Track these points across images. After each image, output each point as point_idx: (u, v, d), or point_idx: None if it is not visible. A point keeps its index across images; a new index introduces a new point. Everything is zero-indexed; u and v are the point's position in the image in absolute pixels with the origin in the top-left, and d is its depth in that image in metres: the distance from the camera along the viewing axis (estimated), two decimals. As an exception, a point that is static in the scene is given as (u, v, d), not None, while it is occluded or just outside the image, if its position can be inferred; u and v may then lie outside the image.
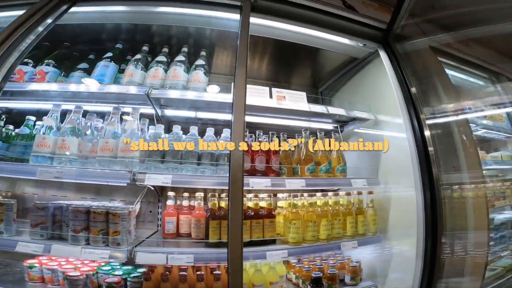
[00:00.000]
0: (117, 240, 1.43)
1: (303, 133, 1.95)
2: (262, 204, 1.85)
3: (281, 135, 1.98)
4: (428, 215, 1.59)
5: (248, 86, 1.72)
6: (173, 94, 1.64)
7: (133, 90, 1.57)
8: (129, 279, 1.53)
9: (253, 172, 1.77)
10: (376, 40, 2.00)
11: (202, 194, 1.83)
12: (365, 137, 2.13)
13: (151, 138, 1.68)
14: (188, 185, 1.55)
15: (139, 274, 1.59)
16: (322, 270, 1.80)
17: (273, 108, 1.80)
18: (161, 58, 1.80)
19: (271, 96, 1.81)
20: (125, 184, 1.43)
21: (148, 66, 1.77)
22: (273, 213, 1.80)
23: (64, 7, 1.49)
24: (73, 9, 1.55)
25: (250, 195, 1.85)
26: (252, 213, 1.74)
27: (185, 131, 1.81)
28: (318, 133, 2.00)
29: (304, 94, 1.90)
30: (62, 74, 1.74)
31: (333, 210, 1.88)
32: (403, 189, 1.77)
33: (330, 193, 1.98)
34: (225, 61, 2.39)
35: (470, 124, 2.00)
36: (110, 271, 1.61)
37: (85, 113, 1.66)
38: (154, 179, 1.46)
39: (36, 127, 1.67)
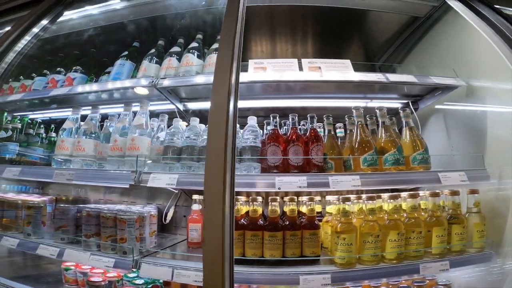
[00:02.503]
0: (123, 248, 1.28)
1: (354, 112, 1.42)
2: (303, 209, 1.43)
3: (325, 119, 1.51)
4: None
5: (270, 60, 1.41)
6: (181, 81, 1.43)
7: (137, 82, 1.42)
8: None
9: (286, 168, 1.38)
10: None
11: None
12: (454, 114, 1.44)
13: (168, 135, 1.49)
14: (197, 186, 1.27)
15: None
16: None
17: (305, 83, 1.37)
18: (175, 49, 1.67)
19: (301, 68, 1.39)
20: (128, 186, 1.26)
21: (163, 59, 1.65)
22: (316, 222, 1.35)
23: (59, 8, 1.47)
24: (81, 13, 1.53)
25: (286, 199, 1.44)
26: (287, 223, 1.34)
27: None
28: (377, 111, 1.42)
29: (347, 61, 1.40)
30: (91, 79, 1.77)
31: (408, 218, 1.29)
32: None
33: (404, 194, 1.37)
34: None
35: None
36: (133, 279, 1.49)
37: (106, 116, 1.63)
38: (158, 179, 1.26)
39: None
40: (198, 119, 1.58)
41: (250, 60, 1.42)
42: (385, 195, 1.38)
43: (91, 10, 1.67)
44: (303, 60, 1.39)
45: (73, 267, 1.62)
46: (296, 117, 1.48)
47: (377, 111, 1.42)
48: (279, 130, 1.47)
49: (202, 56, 1.62)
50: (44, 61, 1.97)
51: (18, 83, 1.79)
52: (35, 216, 1.47)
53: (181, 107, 1.80)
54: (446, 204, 1.37)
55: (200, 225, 1.58)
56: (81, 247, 1.36)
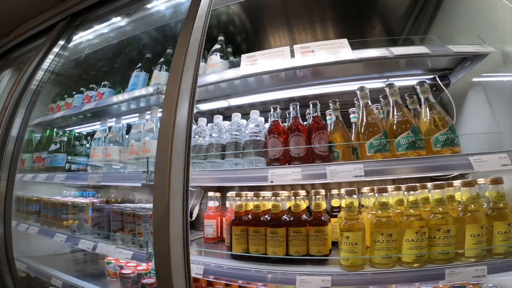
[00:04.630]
0: (140, 241, 1.43)
1: (359, 93, 1.28)
2: (311, 204, 1.35)
3: (331, 104, 1.41)
4: None
5: (262, 51, 1.42)
6: None
7: (146, 90, 1.58)
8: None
9: (287, 160, 1.34)
10: None
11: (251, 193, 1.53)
12: (495, 86, 1.17)
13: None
14: (197, 183, 1.33)
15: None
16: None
17: (295, 69, 1.30)
18: None
19: (293, 55, 1.33)
20: (140, 185, 1.39)
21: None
22: (322, 218, 1.26)
23: (70, 31, 1.73)
24: (95, 33, 1.76)
25: (312, 192, 1.39)
26: (291, 218, 1.29)
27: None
28: (387, 89, 1.25)
29: (344, 40, 1.29)
30: (119, 91, 2.02)
31: (433, 214, 1.10)
32: None
33: (429, 184, 1.17)
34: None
35: None
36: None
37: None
38: (162, 178, 1.35)
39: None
40: (205, 119, 1.65)
41: (242, 55, 1.42)
42: (403, 187, 1.20)
43: (102, 29, 1.92)
44: (295, 46, 1.33)
45: (113, 261, 1.87)
46: (298, 106, 1.42)
47: (387, 88, 1.25)
48: (280, 121, 1.43)
49: (204, 58, 1.68)
50: (81, 79, 2.34)
51: (63, 102, 2.18)
52: (79, 215, 1.75)
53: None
54: (489, 194, 1.11)
55: (215, 221, 1.65)
56: (110, 241, 1.56)
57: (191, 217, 2.09)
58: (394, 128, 1.19)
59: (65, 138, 1.93)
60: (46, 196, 1.99)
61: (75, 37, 1.90)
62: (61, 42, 1.75)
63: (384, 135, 1.17)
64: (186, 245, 0.84)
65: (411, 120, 1.17)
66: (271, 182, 1.17)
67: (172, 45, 1.89)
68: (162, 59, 1.81)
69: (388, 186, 1.17)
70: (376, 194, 1.16)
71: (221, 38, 1.76)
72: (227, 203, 1.64)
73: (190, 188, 1.98)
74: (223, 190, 1.83)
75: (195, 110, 1.89)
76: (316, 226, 1.24)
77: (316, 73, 1.50)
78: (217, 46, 1.68)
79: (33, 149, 2.07)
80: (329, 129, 1.40)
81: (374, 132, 1.19)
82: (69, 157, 1.91)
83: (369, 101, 1.27)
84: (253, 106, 1.88)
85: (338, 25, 1.95)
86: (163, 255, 0.82)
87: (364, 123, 1.24)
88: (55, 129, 2.03)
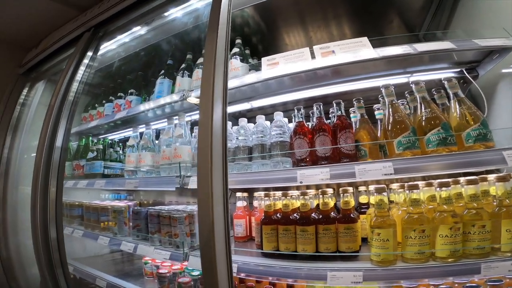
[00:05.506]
0: (176, 242, 1.52)
1: (384, 90, 1.29)
2: (338, 202, 1.39)
3: (355, 103, 1.42)
4: None
5: (282, 54, 1.44)
6: None
7: (171, 98, 1.66)
8: (198, 280, 1.59)
9: (314, 161, 1.37)
10: None
11: (279, 192, 1.60)
12: None
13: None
14: (232, 185, 1.39)
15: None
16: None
17: (317, 71, 1.32)
18: (200, 60, 1.82)
19: (313, 56, 1.36)
20: (174, 189, 1.49)
21: (192, 71, 1.85)
22: (352, 215, 1.30)
23: (95, 42, 1.88)
24: (117, 42, 1.91)
25: (341, 190, 1.42)
26: (320, 216, 1.34)
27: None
28: (413, 86, 1.26)
29: (364, 38, 1.31)
30: (145, 99, 2.13)
31: (467, 210, 1.10)
32: None
33: (462, 179, 1.17)
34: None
35: None
36: (191, 271, 1.74)
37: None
38: (195, 181, 1.43)
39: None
40: (230, 123, 1.72)
41: (263, 58, 1.46)
42: (435, 182, 1.20)
43: (123, 38, 2.01)
44: (314, 47, 1.35)
45: (150, 261, 1.99)
46: (321, 106, 1.46)
47: (413, 85, 1.25)
48: (304, 122, 1.47)
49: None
50: (108, 88, 2.49)
51: (95, 111, 2.33)
52: (119, 218, 1.89)
53: None
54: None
55: (244, 221, 1.72)
56: (148, 242, 1.68)
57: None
58: (423, 124, 1.20)
59: (101, 146, 2.07)
60: (87, 201, 2.15)
61: (101, 48, 2.02)
62: (90, 53, 1.87)
63: (413, 132, 1.18)
64: (228, 245, 0.91)
65: (440, 116, 1.17)
66: (300, 182, 1.21)
67: (191, 50, 1.97)
68: (183, 65, 1.89)
69: (419, 183, 1.18)
70: (407, 191, 1.17)
71: (238, 41, 1.80)
72: (255, 203, 1.70)
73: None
74: (249, 190, 1.90)
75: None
76: (346, 223, 1.28)
77: (337, 72, 1.51)
78: (236, 50, 1.73)
79: (72, 157, 2.24)
80: (354, 127, 1.42)
81: (402, 129, 1.20)
82: (105, 164, 2.05)
83: (394, 99, 1.28)
84: (273, 107, 1.93)
85: (353, 21, 1.94)
86: (209, 254, 0.89)
87: (391, 120, 1.25)
88: (90, 138, 2.19)
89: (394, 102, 1.28)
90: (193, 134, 1.79)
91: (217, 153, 1.01)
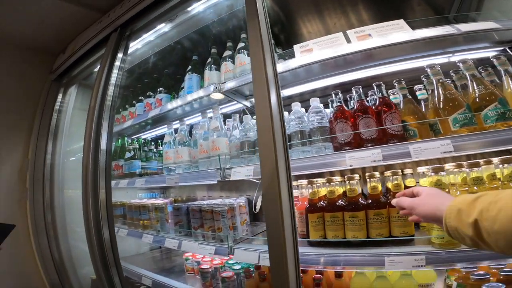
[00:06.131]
0: (220, 236, 1.54)
1: (429, 70, 1.25)
2: (389, 185, 1.35)
3: (396, 84, 1.38)
4: None
5: (314, 40, 1.43)
6: (240, 81, 1.57)
7: (204, 91, 1.67)
8: (241, 274, 1.59)
9: (359, 143, 1.34)
10: None
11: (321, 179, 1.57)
12: None
13: (241, 132, 1.68)
14: None
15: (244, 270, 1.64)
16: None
17: (353, 55, 1.30)
18: (227, 53, 1.84)
19: (349, 41, 1.34)
20: (216, 182, 1.50)
21: (220, 65, 1.87)
22: (404, 199, 1.24)
23: (124, 42, 1.91)
24: (143, 41, 1.94)
25: (388, 173, 1.40)
26: (370, 201, 1.30)
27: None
28: (461, 64, 1.20)
29: (401, 21, 1.27)
30: (174, 96, 2.16)
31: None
32: None
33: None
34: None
35: None
36: (232, 265, 1.76)
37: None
38: (238, 173, 1.45)
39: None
40: (249, 116, 1.71)
41: (295, 46, 1.45)
42: (496, 160, 1.13)
43: (148, 37, 2.04)
44: (348, 32, 1.34)
45: (190, 257, 2.03)
46: (361, 89, 1.42)
47: (460, 64, 1.20)
48: (344, 105, 1.43)
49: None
50: (136, 88, 2.54)
51: (127, 112, 2.39)
52: (160, 215, 1.93)
53: (248, 104, 1.97)
54: None
55: (285, 211, 1.71)
56: (192, 238, 1.70)
57: (254, 209, 2.17)
58: (477, 101, 1.14)
59: (137, 145, 2.13)
60: (127, 200, 2.22)
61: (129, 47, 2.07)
62: (120, 55, 1.91)
63: (468, 109, 1.12)
64: (295, 232, 0.90)
65: (495, 92, 1.12)
66: (350, 166, 1.18)
67: (214, 44, 1.99)
68: (209, 59, 1.90)
69: (480, 160, 1.12)
70: (467, 170, 1.11)
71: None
72: (295, 192, 1.68)
73: (253, 180, 2.09)
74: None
75: (249, 104, 1.99)
76: None
77: (372, 56, 1.46)
78: None
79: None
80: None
81: (456, 106, 1.14)
82: (142, 163, 2.10)
83: (442, 77, 1.25)
84: (301, 95, 1.91)
85: (372, 7, 1.89)
86: (278, 245, 0.88)
87: (442, 98, 1.20)
88: (125, 138, 2.25)
89: (442, 80, 1.25)
90: (225, 127, 1.79)
91: (278, 137, 1.00)
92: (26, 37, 2.30)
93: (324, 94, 1.77)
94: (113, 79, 1.83)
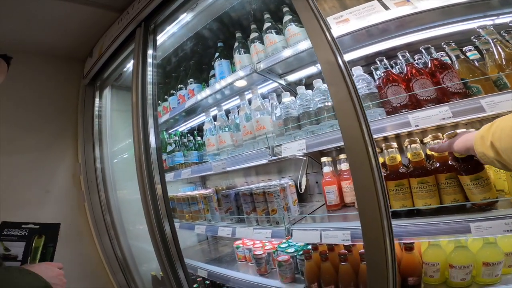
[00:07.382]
0: (275, 218, 1.52)
1: (482, 31, 1.22)
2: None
3: (446, 46, 1.32)
4: None
5: (348, 10, 1.39)
6: (274, 59, 1.55)
7: (240, 74, 1.68)
8: (298, 256, 1.57)
9: (416, 105, 1.26)
10: None
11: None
12: None
13: (283, 109, 1.62)
14: (324, 145, 1.32)
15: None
16: None
17: (400, 20, 1.25)
18: (253, 35, 1.80)
19: (386, 7, 1.30)
20: (266, 161, 1.46)
21: (248, 48, 1.84)
22: (479, 163, 1.13)
23: (151, 36, 1.91)
24: (166, 34, 1.97)
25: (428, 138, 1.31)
26: (438, 165, 1.21)
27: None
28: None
29: None
30: (204, 85, 2.17)
31: None
32: None
33: None
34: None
35: None
36: (286, 248, 1.74)
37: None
38: (289, 148, 1.42)
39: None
40: (303, 87, 1.65)
41: (328, 18, 1.37)
42: None
43: (171, 29, 2.03)
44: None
45: (241, 245, 2.05)
46: (407, 53, 1.36)
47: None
48: (391, 70, 1.36)
49: (280, 31, 1.69)
50: (165, 84, 2.57)
51: (160, 107, 2.43)
52: (210, 204, 1.95)
53: (282, 82, 1.94)
54: None
55: (335, 186, 1.65)
56: (245, 224, 1.69)
57: (300, 189, 2.13)
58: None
59: (177, 138, 2.16)
60: (172, 194, 2.28)
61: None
62: (150, 52, 1.92)
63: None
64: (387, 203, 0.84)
65: None
66: (416, 126, 1.10)
67: (238, 29, 1.96)
68: (236, 44, 1.88)
69: None
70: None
71: (286, 9, 1.71)
72: (343, 166, 1.63)
73: (301, 157, 2.03)
74: (328, 153, 1.84)
75: (284, 82, 1.93)
76: (474, 172, 1.11)
77: (414, 20, 1.35)
78: (288, 17, 1.65)
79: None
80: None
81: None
82: (184, 154, 2.14)
83: (498, 36, 1.17)
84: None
85: None
86: (373, 217, 0.84)
87: (503, 55, 1.13)
88: (164, 132, 2.30)
89: (498, 39, 1.18)
90: (272, 104, 1.75)
91: (354, 98, 0.95)
92: (53, 46, 2.37)
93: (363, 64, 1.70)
94: (149, 77, 1.86)
